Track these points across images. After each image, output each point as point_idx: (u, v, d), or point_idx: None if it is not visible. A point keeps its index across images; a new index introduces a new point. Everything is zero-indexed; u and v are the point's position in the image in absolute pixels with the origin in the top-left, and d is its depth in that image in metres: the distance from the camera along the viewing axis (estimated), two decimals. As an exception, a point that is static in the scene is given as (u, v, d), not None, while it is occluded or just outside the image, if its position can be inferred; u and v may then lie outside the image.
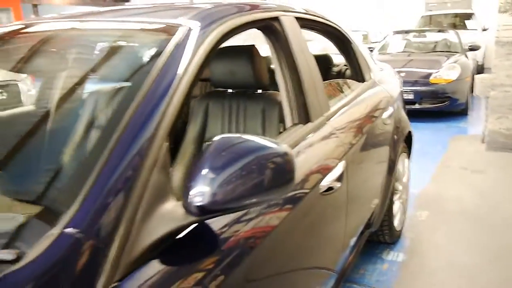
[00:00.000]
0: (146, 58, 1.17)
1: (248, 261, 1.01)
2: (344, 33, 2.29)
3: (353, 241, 1.93)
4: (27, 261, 0.70)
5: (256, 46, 1.78)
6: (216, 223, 0.97)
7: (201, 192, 0.83)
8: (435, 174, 4.00)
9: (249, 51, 1.74)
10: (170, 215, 0.86)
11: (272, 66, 1.70)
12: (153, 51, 1.15)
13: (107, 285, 0.73)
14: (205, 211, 0.84)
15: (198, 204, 0.83)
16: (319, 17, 2.04)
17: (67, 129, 1.14)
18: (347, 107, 1.93)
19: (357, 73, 2.36)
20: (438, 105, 6.05)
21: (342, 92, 2.16)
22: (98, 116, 1.19)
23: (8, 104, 4.85)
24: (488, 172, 3.97)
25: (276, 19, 1.60)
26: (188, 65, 1.07)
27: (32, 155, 1.14)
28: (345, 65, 2.65)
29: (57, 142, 1.11)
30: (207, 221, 0.95)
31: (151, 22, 1.33)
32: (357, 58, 2.36)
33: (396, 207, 2.65)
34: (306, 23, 1.87)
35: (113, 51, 1.33)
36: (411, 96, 5.99)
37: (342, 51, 2.38)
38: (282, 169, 0.92)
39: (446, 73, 6.08)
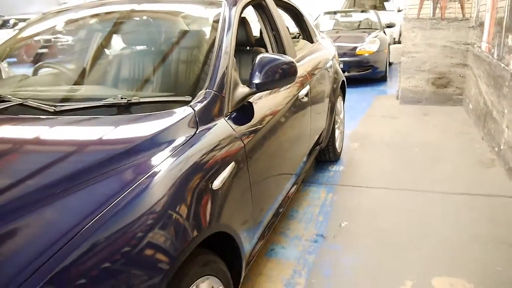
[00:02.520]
0: (211, 17, 2.10)
1: (265, 123, 2.00)
2: (299, 10, 3.32)
3: (306, 152, 2.95)
4: (195, 101, 1.63)
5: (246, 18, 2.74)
6: (257, 100, 1.95)
7: (257, 76, 1.79)
8: (362, 120, 5.20)
9: (243, 20, 2.70)
10: (243, 89, 1.82)
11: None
12: (213, 14, 2.08)
13: (227, 113, 1.69)
14: (258, 86, 1.81)
15: (256, 82, 1.80)
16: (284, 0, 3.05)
17: (188, 55, 2.03)
18: (307, 56, 2.96)
19: (308, 37, 3.41)
20: (363, 73, 7.31)
21: (300, 48, 3.19)
22: (200, 45, 2.06)
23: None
24: (401, 118, 5.23)
25: (263, 0, 2.57)
26: (233, 22, 2.02)
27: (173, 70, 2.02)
28: (298, 33, 3.68)
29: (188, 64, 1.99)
30: (251, 99, 1.92)
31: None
32: (307, 27, 3.40)
33: (337, 133, 3.75)
34: (278, 3, 2.86)
35: (187, 15, 2.25)
36: (341, 66, 7.18)
37: (296, 22, 3.40)
38: (290, 69, 1.90)
39: (368, 46, 7.34)
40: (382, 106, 5.95)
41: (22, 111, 1.63)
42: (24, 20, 17.41)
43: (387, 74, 7.88)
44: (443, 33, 5.56)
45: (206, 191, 1.37)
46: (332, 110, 3.45)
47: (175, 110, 1.54)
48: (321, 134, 3.26)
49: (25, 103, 1.66)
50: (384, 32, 8.15)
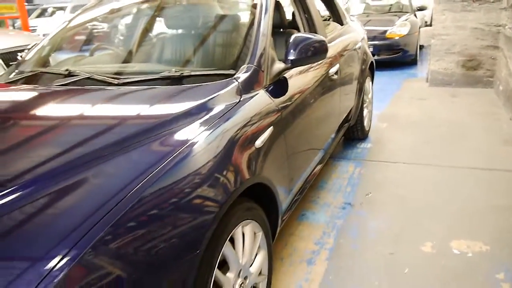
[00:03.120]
0: (250, 2, 2.32)
1: (297, 97, 2.22)
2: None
3: (336, 126, 3.14)
4: (238, 74, 1.86)
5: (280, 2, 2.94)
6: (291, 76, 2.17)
7: (292, 53, 2.01)
8: (391, 102, 5.33)
9: (277, 5, 2.90)
10: (279, 65, 2.04)
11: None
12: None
13: (265, 85, 1.92)
14: (293, 62, 2.02)
15: (290, 58, 2.01)
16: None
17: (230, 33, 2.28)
18: (337, 38, 3.15)
19: (338, 19, 3.58)
20: (393, 56, 7.38)
21: (331, 30, 3.37)
22: (241, 26, 2.29)
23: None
24: (429, 99, 5.33)
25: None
26: (269, 6, 2.23)
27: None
28: (328, 16, 3.86)
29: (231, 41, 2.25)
30: (286, 75, 2.13)
31: None
32: (337, 10, 3.58)
33: (365, 112, 3.92)
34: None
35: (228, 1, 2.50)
36: (370, 49, 7.25)
37: (327, 5, 3.58)
38: (322, 47, 2.10)
39: (398, 29, 7.40)
40: (411, 88, 6.04)
41: (89, 83, 1.91)
42: (61, 8, 18.04)
43: (418, 58, 7.91)
44: (474, 15, 5.59)
45: (251, 147, 1.61)
46: (360, 89, 3.63)
47: (222, 81, 1.78)
48: (349, 112, 3.45)
49: (92, 77, 1.94)
50: (415, 15, 8.16)
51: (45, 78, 2.12)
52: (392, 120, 4.58)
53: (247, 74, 1.85)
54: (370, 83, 4.11)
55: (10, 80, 2.16)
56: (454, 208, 2.68)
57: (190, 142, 1.39)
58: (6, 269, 0.96)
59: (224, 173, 1.43)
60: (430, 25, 11.06)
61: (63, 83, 1.94)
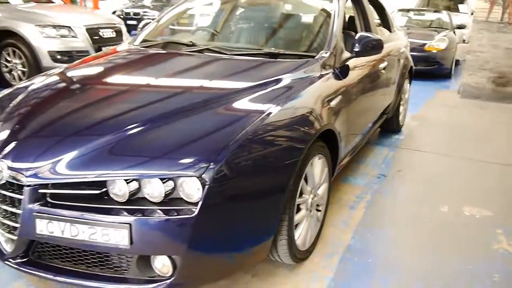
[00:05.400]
0: (328, 6, 3.00)
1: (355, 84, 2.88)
2: (382, 5, 4.16)
3: (377, 115, 3.78)
4: (319, 56, 2.54)
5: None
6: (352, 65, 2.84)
7: (357, 46, 2.68)
8: (423, 107, 5.94)
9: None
10: (346, 54, 2.72)
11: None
12: (329, 4, 2.99)
13: (336, 67, 2.60)
14: (357, 53, 2.70)
15: (356, 50, 2.69)
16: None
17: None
18: (386, 41, 3.81)
19: (387, 26, 4.24)
20: (429, 68, 7.95)
21: (381, 34, 4.03)
22: (321, 23, 2.99)
23: (115, 41, 6.58)
24: (458, 108, 5.92)
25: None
26: (341, 11, 2.91)
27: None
28: (379, 23, 4.51)
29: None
30: (349, 63, 2.80)
31: None
32: (387, 18, 4.24)
33: (401, 109, 4.55)
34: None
35: (310, 4, 3.20)
36: (409, 60, 7.87)
37: (379, 14, 4.25)
38: (379, 44, 2.76)
39: (437, 43, 7.96)
40: (443, 98, 6.62)
41: (208, 52, 2.64)
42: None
43: (452, 72, 8.45)
44: (508, 36, 6.15)
45: (328, 105, 2.30)
46: (400, 88, 4.27)
47: (308, 59, 2.48)
48: (388, 105, 4.09)
49: (210, 48, 2.67)
50: (454, 33, 8.69)
51: (171, 46, 2.87)
52: (423, 120, 5.20)
53: (325, 57, 2.55)
54: (408, 84, 4.74)
55: (144, 45, 2.91)
56: (469, 186, 3.31)
57: (291, 94, 2.09)
58: (182, 161, 1.64)
59: (313, 117, 2.12)
60: (467, 42, 11.56)
61: (191, 50, 2.68)
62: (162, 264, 1.68)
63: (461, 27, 8.90)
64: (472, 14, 11.75)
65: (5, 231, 1.79)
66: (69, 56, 5.91)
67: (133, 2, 18.33)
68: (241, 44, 2.97)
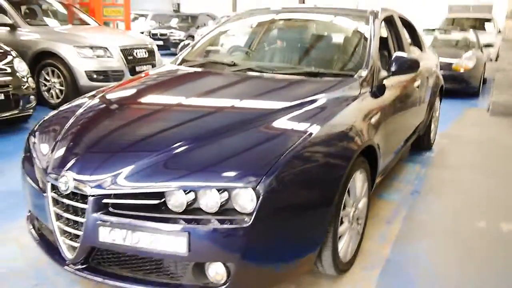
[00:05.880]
0: (364, 29, 3.11)
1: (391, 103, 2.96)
2: (414, 26, 4.25)
3: (410, 132, 3.83)
4: (357, 75, 2.64)
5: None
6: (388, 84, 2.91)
7: (394, 66, 2.77)
8: (452, 125, 5.95)
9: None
10: (383, 73, 2.81)
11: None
12: (365, 26, 3.09)
13: (374, 85, 2.68)
14: (394, 72, 2.78)
15: (392, 69, 2.77)
16: (403, 18, 3.99)
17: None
18: (420, 60, 3.89)
19: (418, 45, 4.32)
20: (456, 86, 7.94)
21: (414, 52, 4.11)
22: (359, 44, 3.08)
23: (147, 61, 6.81)
24: (488, 126, 5.90)
25: (391, 16, 3.53)
26: (377, 31, 3.01)
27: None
28: (411, 43, 4.59)
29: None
30: (385, 81, 2.88)
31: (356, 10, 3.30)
32: (419, 38, 4.32)
33: (432, 126, 4.59)
34: (401, 19, 3.81)
35: (348, 25, 3.33)
36: (436, 78, 7.89)
37: (411, 34, 4.33)
38: (414, 63, 2.84)
39: (464, 62, 7.96)
40: (472, 116, 6.61)
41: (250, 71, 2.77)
42: (142, 15, 19.71)
43: (480, 90, 8.42)
44: (538, 54, 6.13)
45: (368, 122, 2.38)
46: (431, 106, 4.31)
47: (347, 79, 2.58)
48: (420, 123, 4.14)
49: (252, 68, 2.79)
50: (482, 51, 8.68)
51: (214, 65, 3.01)
52: (453, 138, 5.21)
53: (363, 76, 2.64)
54: (439, 102, 4.78)
55: (187, 65, 3.06)
56: (505, 203, 3.31)
57: (333, 111, 2.19)
58: (237, 173, 1.74)
59: (356, 133, 2.21)
60: (496, 60, 11.50)
61: (235, 70, 2.82)
62: (215, 271, 1.77)
63: (488, 45, 8.89)
64: (499, 32, 11.75)
65: (67, 238, 1.91)
66: (104, 75, 6.16)
67: (160, 23, 18.91)
68: (281, 64, 3.09)
